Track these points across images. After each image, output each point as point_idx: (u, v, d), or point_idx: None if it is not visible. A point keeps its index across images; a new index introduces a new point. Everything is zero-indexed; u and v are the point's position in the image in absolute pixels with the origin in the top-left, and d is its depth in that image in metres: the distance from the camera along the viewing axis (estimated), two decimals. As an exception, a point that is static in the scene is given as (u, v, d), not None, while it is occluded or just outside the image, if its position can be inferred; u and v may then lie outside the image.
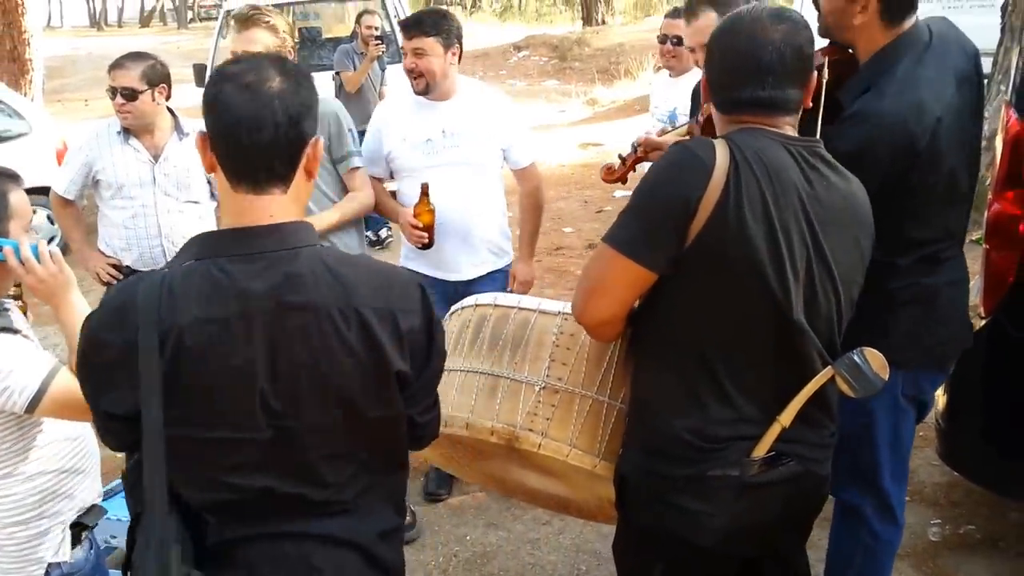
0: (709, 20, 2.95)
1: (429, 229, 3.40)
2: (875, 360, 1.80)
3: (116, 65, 3.63)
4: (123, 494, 2.55)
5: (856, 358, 1.80)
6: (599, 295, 1.86)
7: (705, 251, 1.74)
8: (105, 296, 1.57)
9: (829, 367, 1.83)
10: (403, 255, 3.72)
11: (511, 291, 3.69)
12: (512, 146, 3.63)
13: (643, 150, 2.82)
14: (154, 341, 1.46)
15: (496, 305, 2.21)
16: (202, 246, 1.54)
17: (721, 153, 1.75)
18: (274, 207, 1.53)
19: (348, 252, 1.62)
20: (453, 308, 2.36)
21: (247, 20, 3.27)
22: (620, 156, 2.94)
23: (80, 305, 2.08)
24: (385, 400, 1.58)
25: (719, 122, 1.91)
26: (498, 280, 3.69)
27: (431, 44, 3.36)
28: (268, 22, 3.28)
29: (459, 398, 2.12)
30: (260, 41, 3.22)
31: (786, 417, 1.84)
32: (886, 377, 1.81)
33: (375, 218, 7.52)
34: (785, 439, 1.86)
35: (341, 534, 1.60)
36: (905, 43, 2.27)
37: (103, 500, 2.45)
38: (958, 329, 2.51)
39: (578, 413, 2.04)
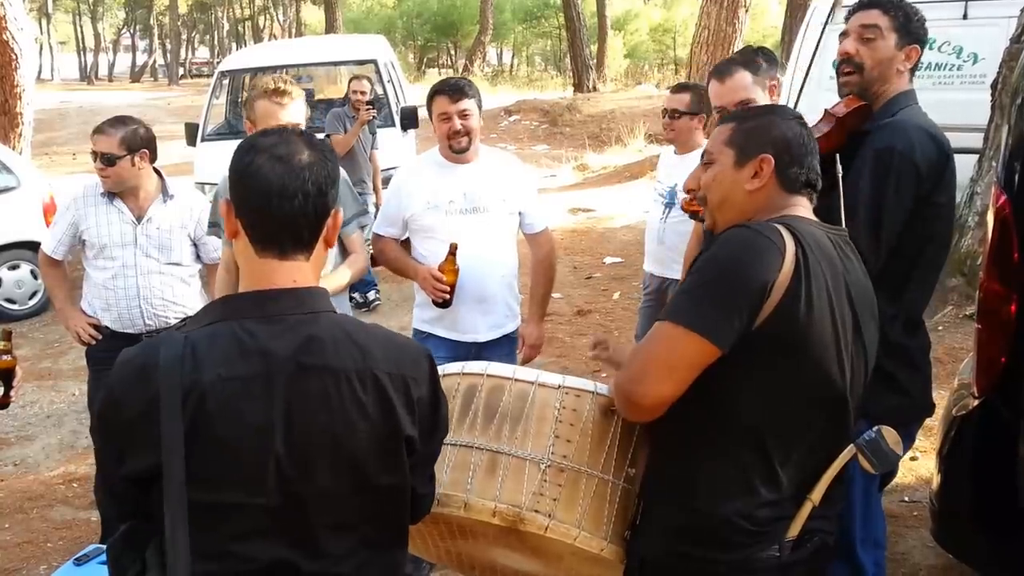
0: (744, 79, 3.15)
1: (452, 287, 3.43)
2: (890, 437, 1.85)
3: (98, 130, 3.65)
4: (97, 560, 2.49)
5: (875, 436, 1.85)
6: (664, 375, 1.80)
7: (774, 334, 1.78)
8: (123, 357, 1.57)
9: (852, 446, 1.87)
10: (417, 316, 3.72)
11: (519, 353, 3.76)
12: (528, 210, 3.72)
13: None
14: (177, 398, 1.48)
15: (488, 375, 2.09)
16: (225, 308, 1.61)
17: (788, 238, 1.81)
18: (297, 272, 1.59)
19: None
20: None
21: (284, 92, 3.25)
22: None
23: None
24: (394, 466, 1.61)
25: (771, 197, 1.96)
26: (510, 343, 3.74)
27: (473, 106, 3.50)
28: (301, 94, 3.29)
29: (453, 475, 1.99)
30: (300, 112, 3.25)
31: (817, 495, 1.88)
32: (901, 452, 1.87)
33: (364, 279, 7.51)
34: (810, 516, 1.89)
35: None
36: (913, 95, 2.65)
37: (76, 565, 2.38)
38: (921, 394, 2.66)
39: (584, 493, 1.96)
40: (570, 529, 1.92)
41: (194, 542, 1.52)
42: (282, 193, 1.55)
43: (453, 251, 3.39)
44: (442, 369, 2.19)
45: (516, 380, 2.06)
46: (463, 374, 2.14)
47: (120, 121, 3.67)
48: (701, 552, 1.86)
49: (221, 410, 1.50)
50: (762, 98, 3.17)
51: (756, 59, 3.25)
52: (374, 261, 3.67)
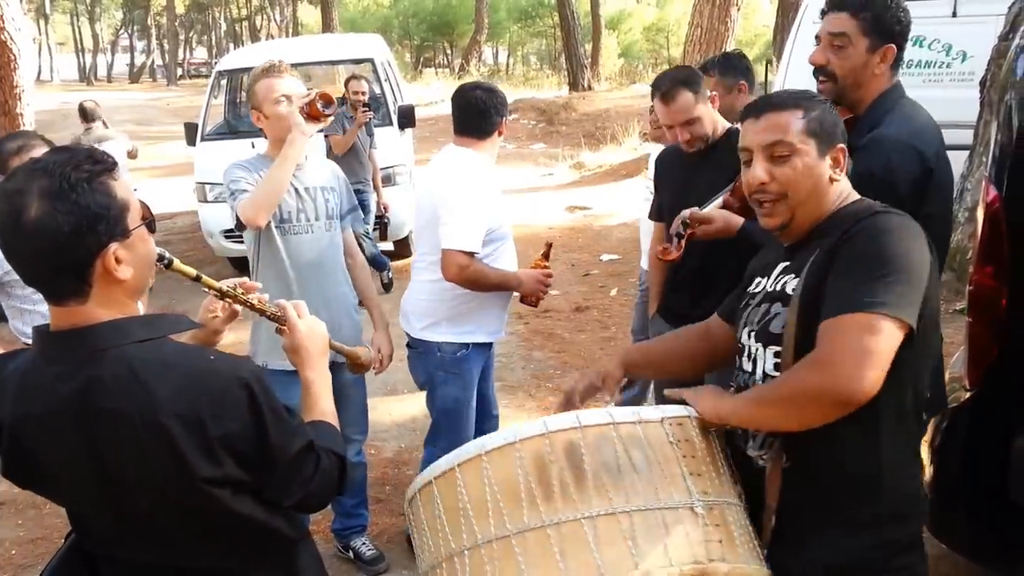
0: (687, 99, 3.22)
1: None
2: None
3: (29, 147, 3.28)
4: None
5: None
6: (877, 364, 1.79)
7: (927, 309, 1.88)
8: None
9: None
10: (449, 330, 3.46)
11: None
12: None
13: (693, 226, 2.97)
14: None
15: (584, 426, 1.82)
16: (33, 341, 1.59)
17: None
18: (74, 317, 1.52)
19: (186, 348, 1.61)
20: (461, 455, 1.85)
21: (277, 67, 3.27)
22: (677, 234, 3.08)
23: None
24: (205, 501, 1.53)
25: (841, 185, 2.03)
26: None
27: None
28: (295, 72, 3.33)
29: (610, 553, 1.71)
30: (297, 85, 3.27)
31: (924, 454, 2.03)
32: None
33: (378, 262, 7.61)
34: None
35: None
36: (899, 89, 2.62)
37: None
38: None
39: (735, 524, 1.83)
40: (747, 567, 1.80)
41: (94, 536, 1.67)
42: (11, 254, 1.50)
43: (550, 247, 3.39)
44: (515, 435, 1.83)
45: (617, 423, 1.84)
46: (548, 434, 1.82)
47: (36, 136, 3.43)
48: (891, 534, 1.92)
49: (28, 443, 1.56)
50: (705, 112, 3.26)
51: (697, 75, 3.34)
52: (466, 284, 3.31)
